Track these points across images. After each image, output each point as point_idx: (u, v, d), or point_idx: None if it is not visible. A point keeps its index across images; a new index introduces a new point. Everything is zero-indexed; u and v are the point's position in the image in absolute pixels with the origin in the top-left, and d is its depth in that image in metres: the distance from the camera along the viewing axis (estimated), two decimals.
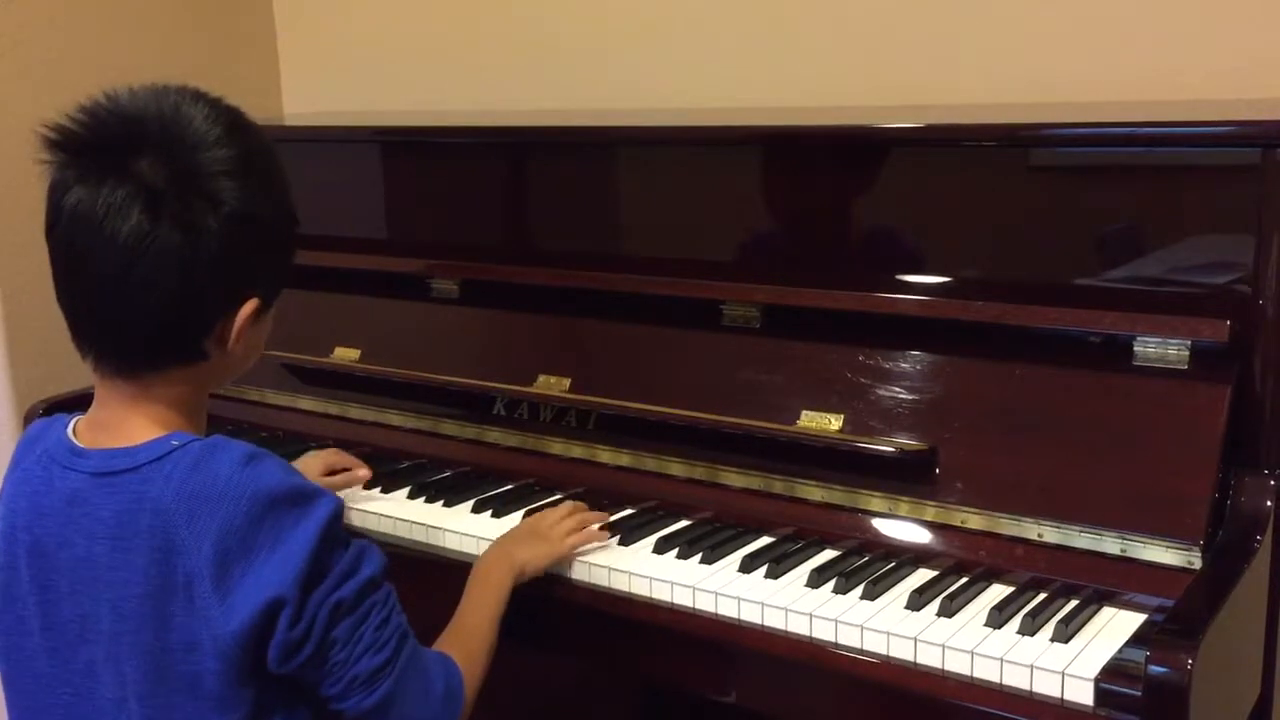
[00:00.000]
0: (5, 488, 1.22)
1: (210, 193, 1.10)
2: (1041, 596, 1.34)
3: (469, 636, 1.32)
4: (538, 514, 1.54)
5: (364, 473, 1.72)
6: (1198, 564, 1.30)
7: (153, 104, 1.12)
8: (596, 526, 1.52)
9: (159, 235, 1.08)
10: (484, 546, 1.54)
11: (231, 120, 1.14)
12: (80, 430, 1.19)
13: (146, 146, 1.09)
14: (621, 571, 1.45)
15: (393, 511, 1.65)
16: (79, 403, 1.92)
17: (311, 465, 1.70)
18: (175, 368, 1.15)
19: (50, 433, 1.21)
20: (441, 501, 1.68)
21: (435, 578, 1.54)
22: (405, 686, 1.16)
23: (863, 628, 1.29)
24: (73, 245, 1.11)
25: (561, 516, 1.51)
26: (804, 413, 1.56)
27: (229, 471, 1.10)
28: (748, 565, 1.44)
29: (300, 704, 1.17)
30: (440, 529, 1.60)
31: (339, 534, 1.14)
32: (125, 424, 1.16)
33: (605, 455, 1.70)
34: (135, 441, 1.14)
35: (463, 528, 1.59)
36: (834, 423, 1.54)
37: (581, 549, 1.50)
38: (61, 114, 1.11)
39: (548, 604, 1.46)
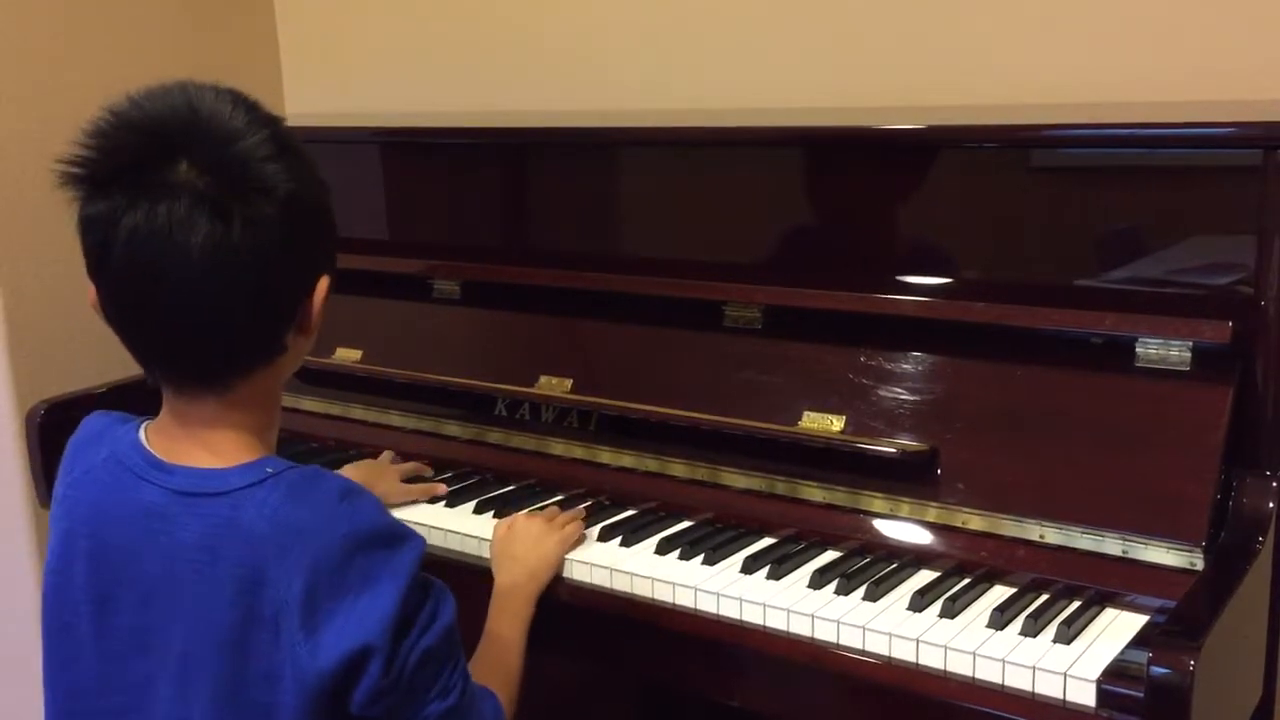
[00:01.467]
0: (62, 488, 1.18)
1: (260, 182, 1.06)
2: (1043, 598, 1.34)
3: (502, 669, 1.32)
4: (520, 527, 1.52)
5: (441, 487, 1.71)
6: (1199, 565, 1.30)
7: (164, 106, 1.07)
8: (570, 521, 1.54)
9: (232, 238, 1.04)
10: (485, 548, 1.54)
11: (245, 104, 1.11)
12: (154, 440, 1.15)
13: (178, 152, 1.05)
14: (624, 573, 1.45)
15: (395, 513, 1.65)
16: (81, 404, 1.93)
17: (390, 473, 1.72)
18: (260, 368, 1.12)
19: (116, 436, 1.17)
20: (444, 502, 1.68)
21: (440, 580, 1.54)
22: None
23: (865, 629, 1.29)
24: (140, 272, 1.05)
25: (543, 520, 1.53)
26: (806, 414, 1.57)
27: (326, 506, 1.07)
28: (749, 566, 1.44)
29: None
30: (443, 530, 1.60)
31: (421, 577, 1.12)
32: (204, 440, 1.12)
33: (607, 456, 1.71)
34: (219, 461, 1.11)
35: (465, 528, 1.59)
36: (836, 424, 1.54)
37: (585, 550, 1.50)
38: (71, 143, 1.06)
39: (550, 606, 1.46)
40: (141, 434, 1.16)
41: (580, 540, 1.53)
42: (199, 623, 1.08)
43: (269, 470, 1.09)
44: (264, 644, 1.07)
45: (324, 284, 1.13)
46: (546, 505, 1.63)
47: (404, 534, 1.12)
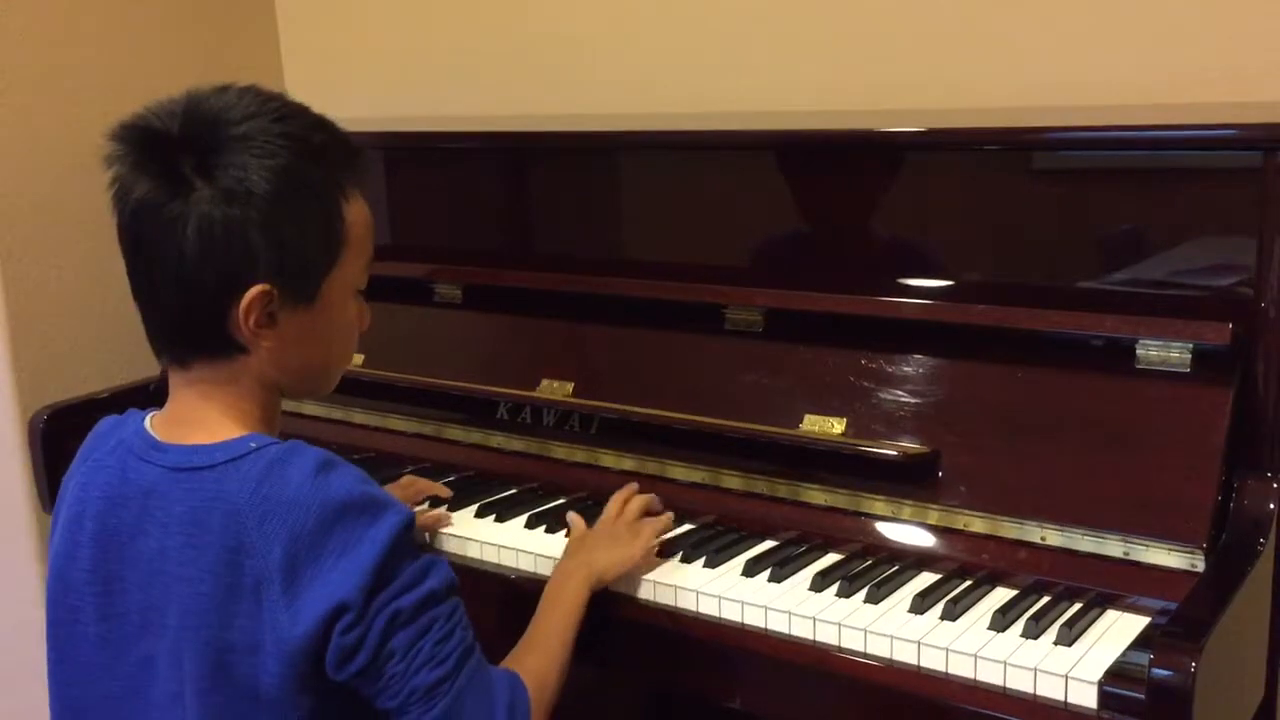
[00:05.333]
0: (75, 477, 1.21)
1: (209, 167, 1.09)
2: (1045, 600, 1.34)
3: (540, 656, 1.28)
4: (604, 524, 1.49)
5: (444, 491, 1.70)
6: (1201, 567, 1.30)
7: (195, 94, 1.13)
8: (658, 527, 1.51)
9: (158, 208, 1.09)
10: (487, 551, 1.54)
11: (258, 103, 1.12)
12: (157, 425, 1.19)
13: (174, 132, 1.11)
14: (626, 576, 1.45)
15: None
16: (84, 409, 1.94)
17: (405, 486, 1.71)
18: (218, 359, 1.15)
19: (125, 426, 1.21)
20: (445, 506, 1.68)
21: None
22: (465, 704, 1.12)
23: (866, 631, 1.30)
24: (118, 229, 1.14)
25: (620, 505, 1.50)
26: (807, 416, 1.57)
27: (302, 478, 1.09)
28: (751, 569, 1.44)
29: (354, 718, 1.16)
30: (444, 534, 1.60)
31: (408, 545, 1.12)
32: (199, 420, 1.16)
33: (608, 459, 1.71)
34: (212, 439, 1.14)
35: (467, 532, 1.59)
36: (837, 426, 1.54)
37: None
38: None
39: None
40: (147, 421, 1.20)
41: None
42: (188, 597, 1.11)
43: (252, 445, 1.12)
44: (246, 615, 1.09)
45: (253, 292, 1.11)
46: (550, 507, 1.63)
47: (386, 502, 1.12)
